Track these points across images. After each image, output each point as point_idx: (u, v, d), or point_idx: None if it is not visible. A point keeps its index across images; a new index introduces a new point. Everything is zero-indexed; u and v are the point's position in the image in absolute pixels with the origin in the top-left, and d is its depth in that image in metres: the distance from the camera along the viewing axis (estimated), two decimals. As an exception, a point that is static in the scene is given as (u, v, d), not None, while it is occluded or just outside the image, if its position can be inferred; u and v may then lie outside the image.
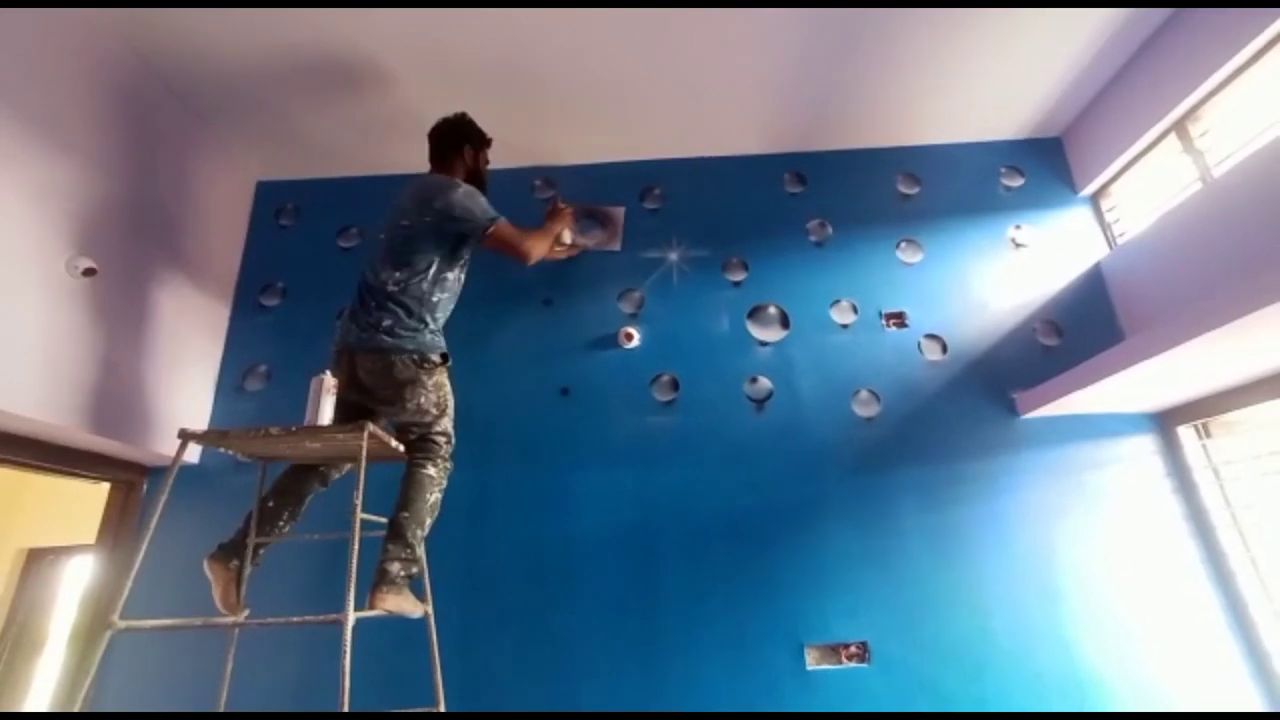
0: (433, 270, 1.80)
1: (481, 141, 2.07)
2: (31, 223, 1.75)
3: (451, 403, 1.83)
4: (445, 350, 1.83)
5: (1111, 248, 2.57)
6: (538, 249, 1.95)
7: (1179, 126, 2.25)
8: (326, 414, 1.58)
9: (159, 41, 2.11)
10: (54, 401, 1.77)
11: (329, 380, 1.62)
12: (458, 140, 2.01)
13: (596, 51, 2.21)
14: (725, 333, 2.48)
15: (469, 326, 2.01)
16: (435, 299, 1.81)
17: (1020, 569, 2.12)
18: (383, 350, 1.70)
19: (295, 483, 1.79)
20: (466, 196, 1.83)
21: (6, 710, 3.06)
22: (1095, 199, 2.67)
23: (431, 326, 1.80)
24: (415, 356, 1.73)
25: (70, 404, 1.82)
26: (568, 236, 2.34)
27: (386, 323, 1.73)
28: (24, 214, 1.73)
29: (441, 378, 1.81)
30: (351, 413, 1.70)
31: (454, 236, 1.84)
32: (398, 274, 1.78)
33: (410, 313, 1.76)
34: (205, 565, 1.63)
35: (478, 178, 2.02)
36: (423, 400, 1.74)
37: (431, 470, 1.74)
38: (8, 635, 3.21)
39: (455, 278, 1.89)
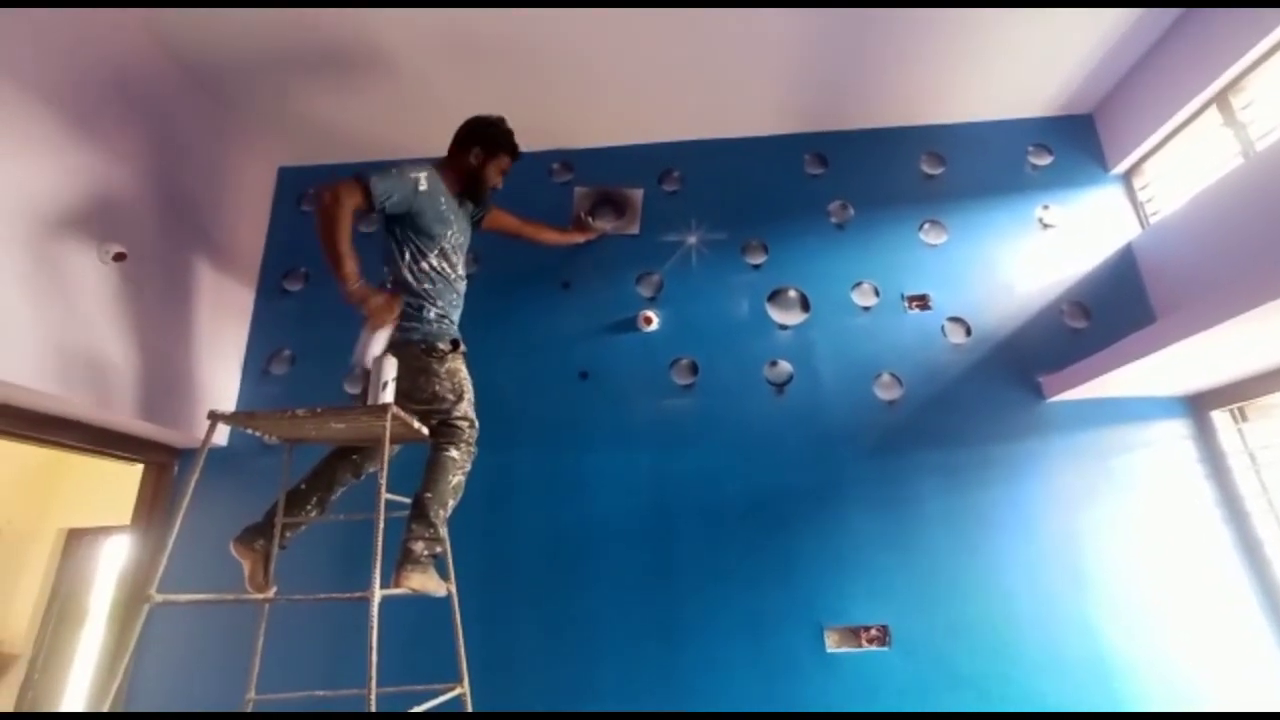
0: (407, 257, 1.81)
1: (496, 149, 1.97)
2: (65, 209, 1.80)
3: (469, 387, 1.84)
4: (455, 337, 1.85)
5: (1144, 227, 2.49)
6: (327, 231, 1.65)
7: (1220, 98, 2.16)
8: (388, 395, 1.60)
9: (182, 31, 2.14)
10: (96, 385, 1.83)
11: (390, 360, 1.64)
12: (470, 140, 1.97)
13: (614, 33, 2.18)
14: (745, 316, 2.46)
15: (487, 309, 2.02)
16: (425, 287, 1.81)
17: (1045, 554, 2.09)
18: (392, 344, 1.71)
19: (329, 470, 1.83)
20: (385, 175, 1.73)
21: (54, 680, 3.19)
22: (1128, 177, 2.58)
23: (433, 315, 1.80)
24: (423, 346, 1.76)
25: (111, 388, 1.88)
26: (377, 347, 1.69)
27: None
28: (59, 201, 1.78)
29: (455, 364, 1.82)
30: None
31: (411, 220, 1.80)
32: (386, 268, 1.85)
33: (409, 304, 1.78)
34: (232, 548, 1.67)
35: (477, 181, 1.98)
36: (437, 388, 1.76)
37: (454, 453, 1.76)
38: (51, 610, 3.36)
39: (435, 265, 1.84)
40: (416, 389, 1.74)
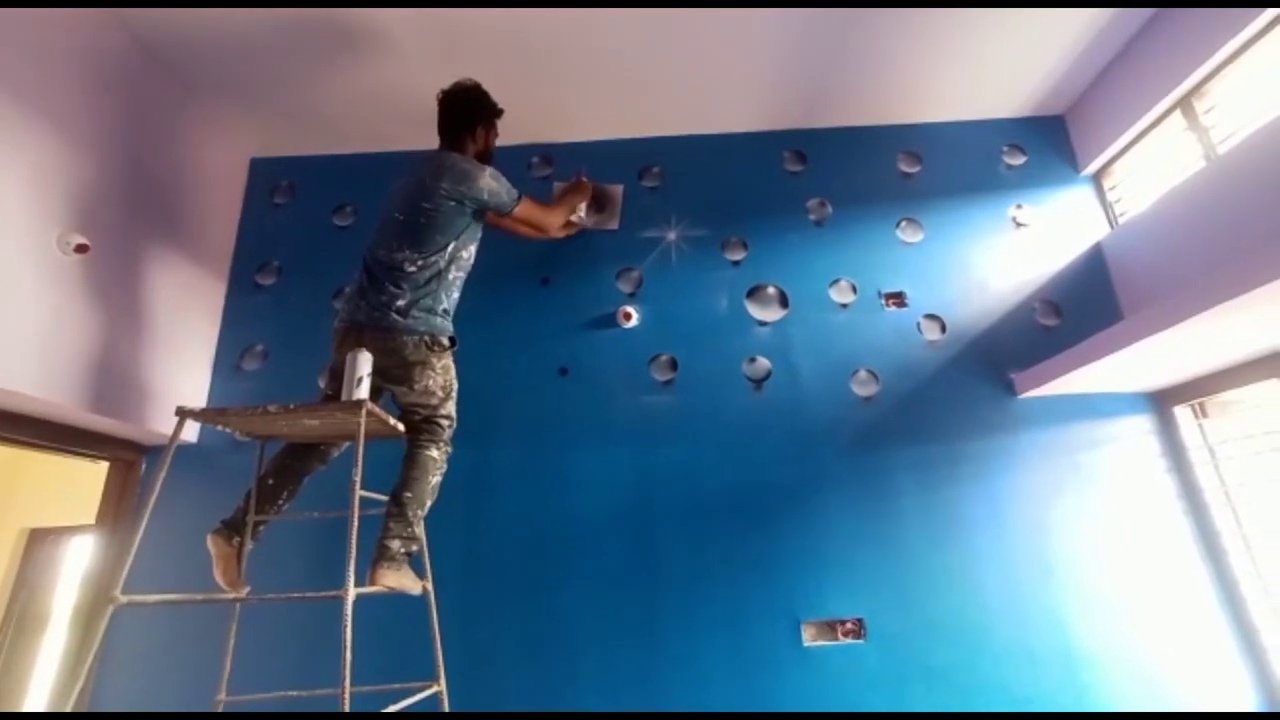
0: (450, 248, 1.80)
1: (495, 115, 2.02)
2: (24, 200, 1.73)
3: (456, 387, 1.83)
4: (453, 334, 1.83)
5: (1113, 227, 2.56)
6: (557, 221, 2.18)
7: (1184, 103, 2.22)
8: (363, 390, 1.57)
9: (150, 16, 2.07)
10: (50, 379, 1.77)
11: (364, 355, 1.61)
12: (471, 118, 1.96)
13: (596, 28, 2.17)
14: (724, 312, 2.47)
15: (467, 306, 1.99)
16: (451, 277, 1.82)
17: (1016, 547, 2.14)
18: (394, 330, 1.69)
19: (295, 460, 1.79)
20: (494, 178, 1.87)
21: (12, 688, 3.09)
22: (1097, 178, 2.65)
23: (444, 308, 1.80)
24: (427, 338, 1.73)
25: (67, 382, 1.81)
26: (582, 210, 2.37)
27: (400, 302, 1.71)
28: (16, 192, 1.71)
29: (449, 361, 1.81)
30: None
31: (475, 215, 1.87)
32: (417, 254, 1.75)
33: (427, 293, 1.75)
34: (208, 540, 1.63)
35: (488, 155, 2.01)
36: (430, 383, 1.73)
37: (434, 452, 1.75)
38: (11, 614, 3.24)
39: (470, 255, 1.90)
40: (410, 379, 1.71)
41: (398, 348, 1.68)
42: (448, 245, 1.79)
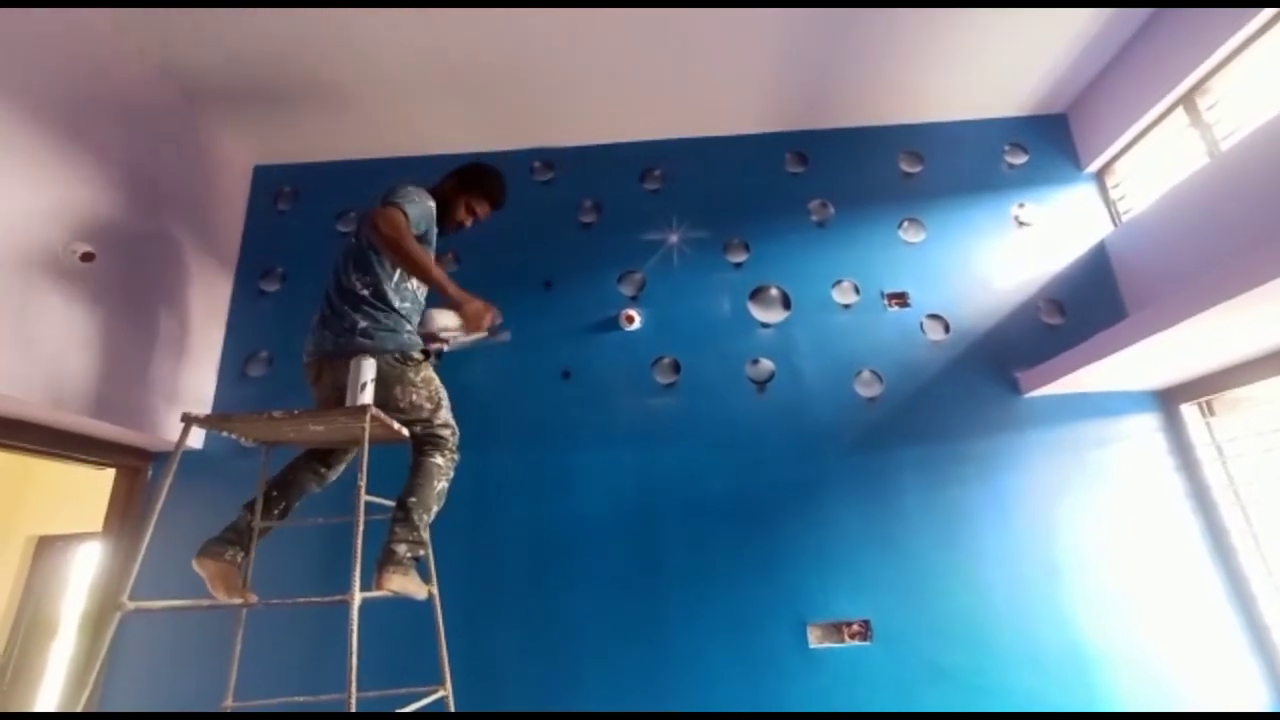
0: (395, 276, 1.78)
1: (484, 199, 1.97)
2: (31, 208, 1.75)
3: (444, 394, 1.82)
4: (424, 348, 1.82)
5: (1116, 225, 2.55)
6: (414, 253, 1.66)
7: (1187, 99, 2.21)
8: (367, 395, 1.57)
9: (156, 28, 2.08)
10: (57, 386, 1.78)
11: (369, 361, 1.61)
12: (470, 186, 1.95)
13: (596, 32, 2.17)
14: (726, 314, 2.47)
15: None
16: (404, 306, 1.79)
17: (1022, 547, 2.13)
18: (363, 353, 1.66)
19: (295, 475, 1.81)
20: (413, 190, 1.76)
21: (24, 692, 3.11)
22: (1100, 176, 2.64)
23: (408, 328, 1.78)
24: (397, 355, 1.72)
25: (73, 388, 1.83)
26: (449, 320, 1.85)
27: (363, 325, 1.70)
28: (23, 200, 1.73)
29: (428, 372, 1.80)
30: None
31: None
32: (367, 277, 1.75)
33: (386, 314, 1.74)
34: (195, 565, 1.60)
35: (444, 204, 1.92)
36: (415, 397, 1.74)
37: (439, 459, 1.76)
38: (21, 621, 3.27)
39: (414, 288, 1.84)
40: (393, 399, 1.71)
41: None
42: (390, 271, 1.77)
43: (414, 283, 1.84)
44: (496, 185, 1.99)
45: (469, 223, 1.99)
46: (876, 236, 2.57)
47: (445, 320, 1.80)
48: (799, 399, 2.33)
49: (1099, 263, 2.50)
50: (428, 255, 1.74)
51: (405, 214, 1.69)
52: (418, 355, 1.77)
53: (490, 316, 1.84)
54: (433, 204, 1.83)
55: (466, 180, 1.95)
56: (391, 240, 1.64)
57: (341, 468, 1.88)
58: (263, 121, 2.55)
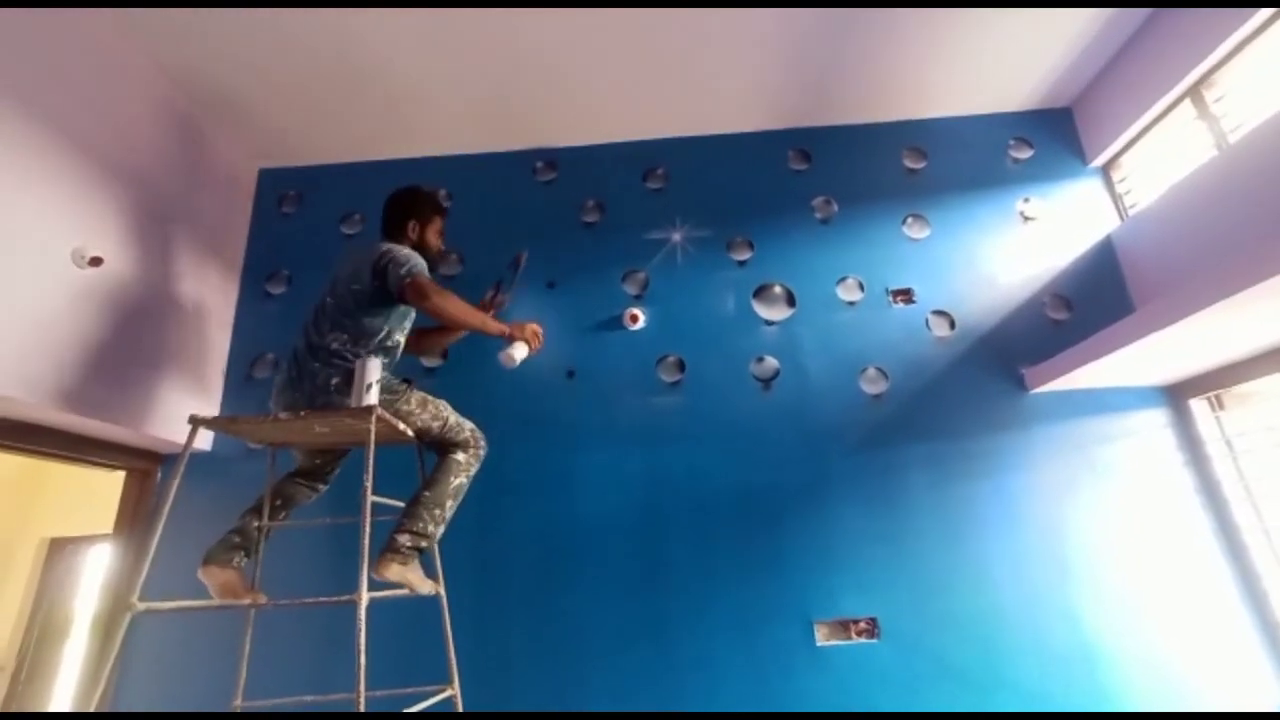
0: (383, 333, 1.74)
1: (430, 213, 1.95)
2: (41, 214, 1.76)
3: (444, 403, 1.82)
4: (405, 377, 1.81)
5: (1123, 219, 2.53)
6: (452, 308, 1.72)
7: (1193, 92, 2.19)
8: (373, 396, 1.58)
9: (160, 31, 2.10)
10: (67, 390, 1.79)
11: (374, 361, 1.62)
12: (402, 216, 1.92)
13: (598, 30, 2.18)
14: (731, 312, 2.47)
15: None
16: (389, 361, 1.77)
17: (1029, 544, 2.11)
18: (343, 408, 1.60)
19: (289, 488, 1.85)
20: (406, 252, 1.75)
21: (38, 692, 3.14)
22: (1106, 170, 2.62)
23: (383, 362, 1.73)
24: (382, 394, 1.66)
25: (83, 392, 1.84)
26: (521, 352, 1.88)
27: (335, 380, 1.64)
28: (32, 206, 1.74)
29: (419, 395, 1.77)
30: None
31: (397, 295, 1.73)
32: (345, 334, 1.69)
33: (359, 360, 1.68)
34: (200, 574, 1.62)
35: (425, 249, 1.91)
36: (419, 423, 1.74)
37: (460, 456, 1.78)
38: (35, 622, 3.30)
39: (398, 341, 1.81)
40: (396, 432, 1.67)
41: (354, 419, 1.58)
42: (381, 327, 1.73)
43: (399, 335, 1.80)
44: (429, 200, 1.97)
45: (443, 244, 2.01)
46: (881, 233, 2.56)
47: (518, 354, 1.87)
48: (804, 397, 2.33)
49: (1105, 257, 2.48)
50: (475, 312, 1.83)
51: (418, 272, 1.71)
52: (399, 386, 1.74)
53: (538, 328, 1.95)
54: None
55: (415, 212, 1.92)
56: (455, 319, 1.75)
57: (331, 478, 1.92)
58: (266, 124, 2.57)
